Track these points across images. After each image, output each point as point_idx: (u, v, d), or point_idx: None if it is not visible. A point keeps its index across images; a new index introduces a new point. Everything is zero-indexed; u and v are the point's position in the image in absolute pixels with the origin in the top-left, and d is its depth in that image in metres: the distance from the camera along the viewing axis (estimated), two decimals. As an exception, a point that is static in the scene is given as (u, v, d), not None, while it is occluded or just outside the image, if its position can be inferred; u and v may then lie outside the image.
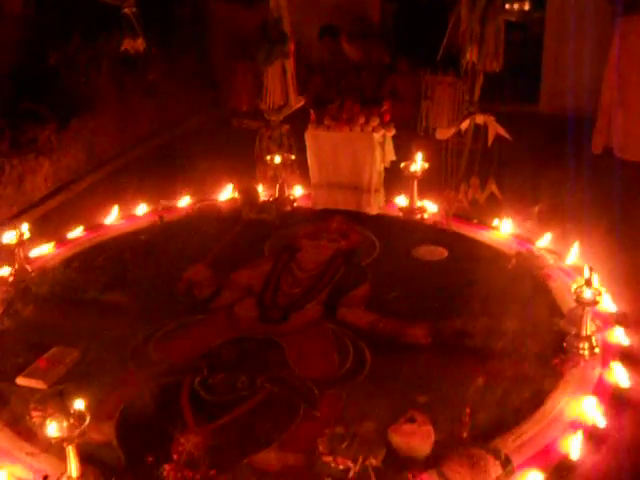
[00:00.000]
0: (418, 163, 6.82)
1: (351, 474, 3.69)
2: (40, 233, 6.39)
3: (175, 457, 3.81)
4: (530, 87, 10.16)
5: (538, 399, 4.29)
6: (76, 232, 6.68)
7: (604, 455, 3.89)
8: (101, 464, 3.82)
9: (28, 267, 5.89)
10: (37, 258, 6.21)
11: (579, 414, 4.16)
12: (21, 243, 5.82)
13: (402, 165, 6.91)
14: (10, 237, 5.77)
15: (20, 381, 4.53)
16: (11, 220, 6.58)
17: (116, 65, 8.64)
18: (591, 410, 4.15)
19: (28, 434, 4.08)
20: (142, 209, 7.12)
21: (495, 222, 6.60)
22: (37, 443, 3.97)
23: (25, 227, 5.94)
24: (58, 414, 3.58)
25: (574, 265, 5.77)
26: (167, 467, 3.74)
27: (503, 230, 6.48)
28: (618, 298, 5.28)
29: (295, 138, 7.67)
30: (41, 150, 7.28)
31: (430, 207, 6.97)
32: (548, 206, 6.62)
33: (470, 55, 6.69)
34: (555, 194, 6.90)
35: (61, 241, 6.55)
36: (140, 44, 7.96)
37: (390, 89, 9.20)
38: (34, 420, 4.14)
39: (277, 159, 7.24)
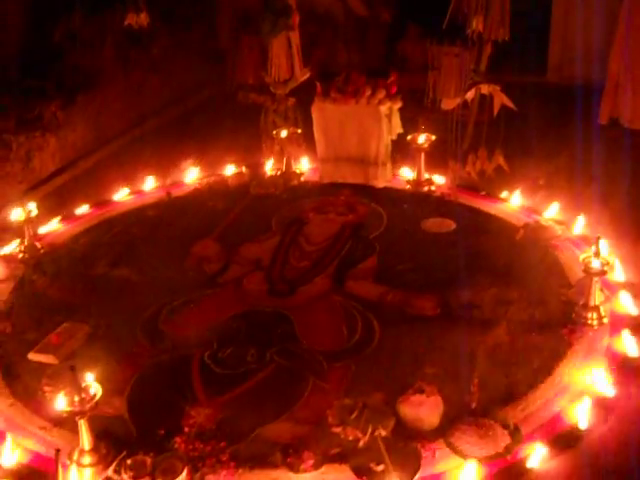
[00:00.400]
0: (425, 135, 6.78)
1: (360, 444, 3.73)
2: (48, 210, 6.41)
3: (186, 430, 3.87)
4: (537, 57, 10.04)
5: (546, 369, 4.30)
6: (84, 208, 6.69)
7: (612, 424, 3.91)
8: (113, 437, 3.87)
9: (37, 244, 5.93)
10: (46, 235, 6.24)
11: (587, 384, 4.17)
12: (30, 220, 5.85)
13: (409, 137, 6.87)
14: (19, 214, 5.80)
15: (32, 356, 4.58)
16: (19, 197, 6.58)
17: (120, 40, 8.58)
18: (599, 380, 4.17)
19: (40, 408, 4.13)
20: (150, 185, 7.12)
21: (503, 194, 6.57)
22: (49, 417, 4.02)
23: (33, 204, 5.97)
24: (70, 388, 3.62)
25: (582, 236, 5.76)
26: (178, 440, 3.80)
27: (511, 202, 6.45)
28: (627, 268, 5.26)
29: (301, 111, 7.63)
30: (47, 127, 7.27)
31: (437, 179, 6.94)
32: (553, 177, 6.57)
33: (476, 24, 6.63)
34: (562, 165, 6.86)
35: (70, 217, 6.57)
36: (144, 19, 7.91)
37: (400, 56, 9.13)
38: (46, 395, 4.19)
39: (283, 133, 7.21)
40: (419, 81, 8.37)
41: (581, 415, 3.90)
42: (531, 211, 6.26)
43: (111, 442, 3.81)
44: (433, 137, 6.80)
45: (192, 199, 6.92)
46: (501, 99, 6.74)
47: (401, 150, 7.15)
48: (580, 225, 5.82)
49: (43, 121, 7.21)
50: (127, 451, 3.74)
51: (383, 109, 6.83)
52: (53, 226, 6.37)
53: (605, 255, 4.80)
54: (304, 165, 7.45)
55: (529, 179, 6.64)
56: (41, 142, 7.27)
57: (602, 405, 4.00)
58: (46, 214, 6.33)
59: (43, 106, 7.23)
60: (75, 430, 3.71)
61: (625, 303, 4.89)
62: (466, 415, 3.92)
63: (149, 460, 3.61)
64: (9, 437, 3.90)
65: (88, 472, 3.65)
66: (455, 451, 3.72)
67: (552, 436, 3.79)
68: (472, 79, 6.94)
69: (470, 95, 6.92)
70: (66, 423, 3.88)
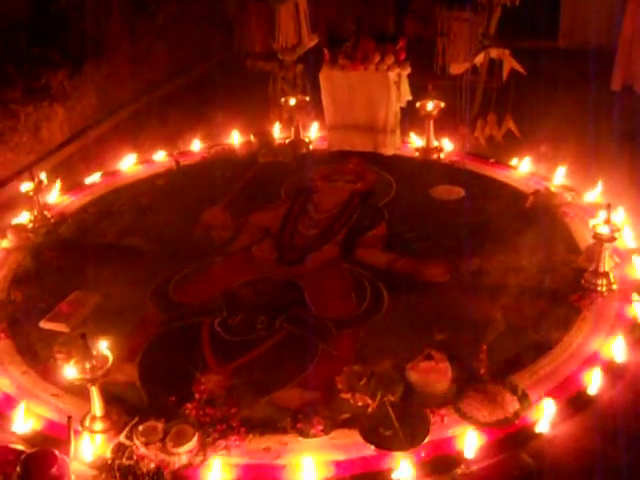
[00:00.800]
0: (434, 102, 6.72)
1: (369, 410, 3.75)
2: (58, 180, 6.42)
3: (197, 396, 3.90)
4: (549, 22, 9.91)
5: (556, 335, 4.31)
6: (93, 178, 6.70)
7: (622, 389, 3.92)
8: (125, 404, 3.91)
9: (47, 213, 5.94)
10: (56, 204, 6.25)
11: (597, 349, 4.18)
12: (40, 190, 5.86)
13: (418, 104, 6.81)
14: (29, 185, 5.81)
15: (43, 325, 4.62)
16: (29, 167, 6.59)
17: (127, 8, 8.51)
18: (609, 345, 4.17)
19: (53, 376, 4.17)
20: (158, 154, 7.11)
21: (513, 160, 6.53)
22: (62, 384, 4.06)
23: (43, 174, 5.98)
24: (81, 356, 3.65)
25: (592, 202, 5.72)
26: (189, 406, 3.83)
27: (521, 168, 6.41)
28: (638, 234, 5.23)
29: (309, 79, 7.57)
30: (55, 96, 7.24)
31: (447, 146, 6.90)
32: (564, 143, 6.51)
33: (486, -12, 6.55)
34: (573, 131, 6.80)
35: (79, 187, 6.58)
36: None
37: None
38: (58, 362, 4.23)
39: (291, 101, 7.17)
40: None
41: (590, 380, 3.90)
42: (541, 178, 6.21)
43: (123, 409, 3.86)
44: (442, 104, 6.73)
45: (200, 168, 6.91)
46: (511, 63, 6.67)
47: (410, 117, 7.09)
48: (596, 192, 5.77)
49: (51, 91, 7.19)
50: (139, 417, 3.78)
51: (392, 75, 6.76)
52: (63, 196, 6.37)
53: (615, 221, 4.77)
54: (313, 133, 7.41)
55: (536, 146, 6.56)
56: (49, 112, 7.25)
57: (611, 370, 4.01)
58: (56, 184, 6.33)
59: (50, 75, 7.19)
60: (87, 397, 3.75)
61: (636, 269, 4.87)
62: (475, 381, 3.94)
63: (160, 426, 3.65)
64: (22, 404, 3.95)
65: (100, 438, 3.69)
66: (464, 417, 3.74)
67: (561, 401, 3.80)
68: (481, 43, 6.86)
69: (479, 60, 6.84)
70: (78, 390, 3.91)
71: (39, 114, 7.10)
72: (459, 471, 3.43)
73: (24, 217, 5.91)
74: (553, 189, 5.89)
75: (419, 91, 6.99)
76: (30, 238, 5.65)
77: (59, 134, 7.45)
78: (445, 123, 6.92)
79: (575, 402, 3.82)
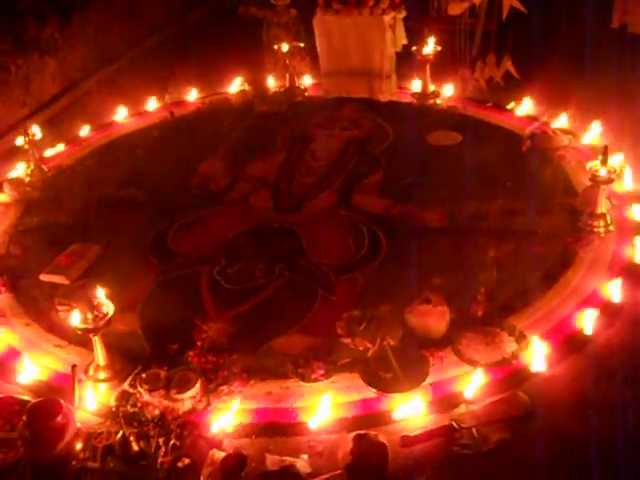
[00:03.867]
0: (430, 46, 6.64)
1: (369, 354, 3.80)
2: (52, 133, 6.38)
3: (198, 344, 3.95)
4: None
5: (552, 277, 4.34)
6: (88, 130, 6.65)
7: (618, 329, 3.97)
8: (127, 353, 3.96)
9: (44, 167, 5.92)
10: (52, 158, 6.22)
11: (593, 290, 4.21)
12: (34, 144, 5.82)
13: (414, 48, 6.72)
14: (23, 139, 5.77)
15: (44, 277, 4.64)
16: (22, 121, 6.54)
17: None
18: (605, 286, 4.21)
19: (55, 327, 4.22)
20: (152, 105, 7.05)
21: (510, 104, 6.48)
22: (64, 335, 4.11)
23: (36, 128, 5.93)
24: (82, 307, 3.68)
25: (590, 145, 5.70)
26: (191, 353, 3.88)
27: (518, 112, 6.37)
28: (635, 177, 5.22)
29: (303, 25, 7.46)
30: (45, 48, 7.14)
31: (444, 91, 6.83)
32: (564, 84, 6.43)
33: None
34: (573, 71, 6.70)
35: (75, 140, 6.54)
36: None
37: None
38: (60, 314, 4.27)
39: (285, 47, 7.07)
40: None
41: (587, 320, 3.95)
42: (538, 121, 6.16)
43: (126, 357, 3.91)
44: (439, 48, 6.65)
45: (195, 118, 6.86)
46: (510, 1, 6.53)
47: (406, 62, 7.00)
48: (593, 133, 5.74)
49: (40, 43, 7.08)
50: (141, 366, 3.83)
51: (387, 19, 6.66)
52: (58, 149, 6.34)
53: (613, 163, 4.76)
54: (308, 80, 7.34)
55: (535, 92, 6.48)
56: (40, 64, 7.15)
57: (608, 310, 4.05)
58: (50, 137, 6.29)
59: (39, 27, 7.07)
60: (90, 347, 3.80)
61: (633, 211, 4.88)
62: (473, 323, 3.99)
63: (163, 373, 3.70)
64: (26, 355, 4.00)
65: (104, 387, 3.75)
66: (462, 358, 3.80)
67: (558, 341, 3.85)
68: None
69: (478, -1, 6.71)
70: (81, 341, 3.95)
71: (30, 67, 7.01)
72: (459, 411, 3.49)
73: (20, 171, 5.88)
74: (550, 132, 5.85)
75: (415, 35, 6.91)
76: (27, 192, 5.64)
77: (51, 86, 7.36)
78: (442, 67, 6.83)
79: (572, 342, 3.87)
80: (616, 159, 5.11)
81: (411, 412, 3.48)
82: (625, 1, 7.54)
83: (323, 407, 3.52)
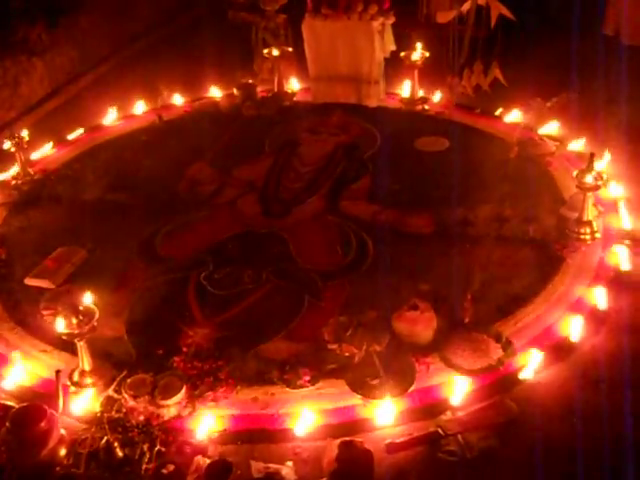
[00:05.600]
0: (419, 52, 6.65)
1: (356, 360, 3.80)
2: (40, 136, 6.34)
3: (184, 349, 3.93)
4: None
5: (539, 284, 4.36)
6: (76, 134, 6.62)
7: (604, 336, 3.98)
8: (113, 358, 3.94)
9: (30, 170, 5.89)
10: (38, 161, 6.18)
11: (580, 297, 4.23)
12: (21, 147, 5.78)
13: (402, 54, 6.73)
14: (10, 142, 5.73)
15: (29, 282, 4.61)
16: (10, 124, 6.50)
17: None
18: (592, 293, 4.22)
19: (41, 332, 4.19)
20: (140, 108, 7.03)
21: (497, 111, 6.50)
22: (50, 340, 4.08)
23: (24, 131, 5.90)
24: (67, 311, 3.66)
25: (577, 152, 5.72)
26: (177, 359, 3.86)
27: (506, 118, 6.39)
28: (624, 183, 5.24)
29: (292, 29, 7.46)
30: (33, 50, 7.11)
31: (432, 97, 6.84)
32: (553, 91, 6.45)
33: None
34: (561, 77, 6.73)
35: (62, 143, 6.50)
36: None
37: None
38: (45, 318, 4.24)
39: (274, 52, 7.06)
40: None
41: (573, 328, 3.96)
42: (526, 128, 6.18)
43: (111, 362, 3.89)
44: (427, 54, 6.67)
45: (183, 122, 6.83)
46: (498, 9, 6.55)
47: (394, 68, 7.01)
48: (580, 141, 5.78)
49: (29, 44, 7.05)
50: (127, 371, 3.81)
51: (375, 25, 6.66)
52: (45, 152, 6.31)
53: (599, 170, 4.79)
54: (296, 85, 7.33)
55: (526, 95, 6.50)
56: (28, 67, 7.12)
57: (594, 318, 4.07)
58: (38, 140, 6.25)
59: (27, 28, 7.03)
60: (75, 352, 3.78)
61: (619, 218, 4.90)
62: (460, 329, 3.99)
63: (149, 379, 3.69)
64: (11, 360, 3.96)
65: (89, 392, 3.72)
66: (449, 364, 3.80)
67: (544, 348, 3.86)
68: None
69: (466, 7, 6.73)
70: (67, 346, 3.92)
71: (18, 69, 6.98)
72: (445, 417, 3.49)
73: (7, 173, 5.85)
74: (537, 139, 5.88)
75: (403, 41, 6.91)
76: (13, 195, 5.61)
77: (39, 89, 7.33)
78: (430, 73, 6.85)
79: (558, 349, 3.88)
80: (602, 166, 5.15)
81: (396, 419, 3.48)
82: (617, 12, 7.57)
83: (306, 415, 3.51)
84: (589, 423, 3.43)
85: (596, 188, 4.71)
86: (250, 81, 7.27)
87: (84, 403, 3.66)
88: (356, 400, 3.62)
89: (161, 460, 3.32)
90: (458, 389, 3.61)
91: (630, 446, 3.27)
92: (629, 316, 4.11)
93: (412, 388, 3.66)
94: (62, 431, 3.43)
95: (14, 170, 5.83)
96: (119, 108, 6.95)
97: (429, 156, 5.98)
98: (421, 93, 6.82)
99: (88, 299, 3.77)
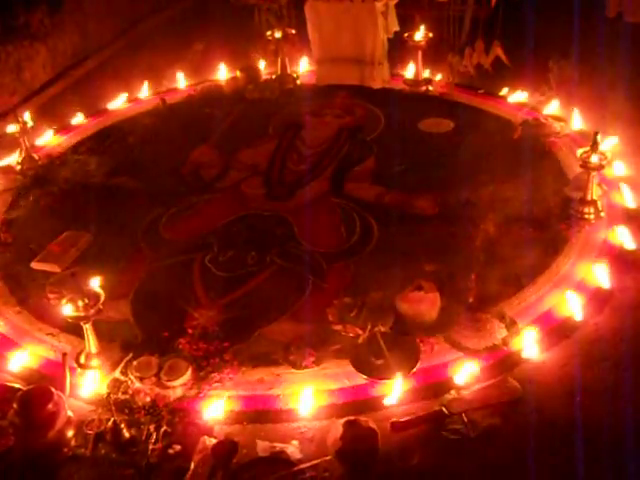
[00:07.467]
0: (422, 32, 6.62)
1: (360, 341, 3.81)
2: (43, 121, 6.35)
3: (190, 331, 3.95)
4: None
5: (543, 263, 4.35)
6: (80, 118, 6.63)
7: (607, 315, 3.99)
8: (119, 340, 3.96)
9: (35, 155, 5.89)
10: (43, 146, 6.19)
11: (584, 276, 4.23)
12: (25, 132, 5.79)
13: (406, 35, 6.70)
14: (14, 127, 5.74)
15: (35, 265, 4.64)
16: (13, 109, 6.50)
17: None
18: (596, 272, 4.22)
19: (47, 315, 4.21)
20: (144, 92, 7.02)
21: (502, 91, 6.47)
22: (56, 323, 4.10)
23: (27, 115, 5.91)
24: (73, 295, 3.68)
25: (581, 132, 5.70)
26: (182, 341, 3.88)
27: (510, 99, 6.36)
28: (628, 162, 5.23)
29: (296, 11, 7.42)
30: (35, 35, 7.10)
31: (436, 78, 6.81)
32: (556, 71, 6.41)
33: None
34: (565, 59, 6.68)
35: (65, 128, 6.51)
36: None
37: None
38: (51, 302, 4.26)
39: (277, 33, 7.03)
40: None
41: (577, 307, 3.96)
42: (530, 108, 6.16)
43: (117, 345, 3.91)
44: (430, 34, 6.63)
45: (187, 106, 6.83)
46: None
47: (398, 49, 6.98)
48: (577, 119, 5.75)
49: (30, 29, 7.03)
50: (133, 353, 3.83)
51: (379, 5, 6.62)
52: (49, 137, 6.31)
53: (603, 149, 4.77)
54: (300, 67, 7.31)
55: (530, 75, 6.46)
56: (30, 51, 7.11)
57: (598, 297, 4.07)
58: (42, 125, 6.26)
59: (28, 12, 7.02)
60: (82, 335, 3.80)
61: (623, 197, 4.89)
62: (464, 310, 4.00)
63: (155, 361, 3.71)
64: (18, 343, 3.99)
65: (95, 374, 3.75)
66: (453, 344, 3.81)
67: (548, 327, 3.87)
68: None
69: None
70: (73, 328, 3.95)
71: (20, 54, 6.97)
72: (449, 397, 3.51)
73: (11, 158, 5.86)
74: (542, 119, 5.86)
75: (407, 22, 6.87)
76: (18, 180, 5.62)
77: (42, 74, 7.32)
78: (434, 54, 6.81)
79: (562, 329, 3.89)
80: (607, 145, 5.13)
81: (400, 398, 3.50)
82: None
83: (311, 395, 3.53)
84: (592, 401, 3.43)
85: (600, 167, 4.69)
86: (254, 63, 7.25)
87: (91, 385, 3.69)
88: (360, 380, 3.64)
89: (167, 440, 3.34)
90: (462, 368, 3.62)
91: (632, 424, 3.28)
92: (633, 295, 4.10)
93: (416, 368, 3.67)
94: (69, 413, 3.46)
95: (18, 155, 5.83)
96: (123, 92, 6.94)
97: (433, 137, 5.96)
98: (426, 74, 6.79)
99: (94, 282, 3.79)
